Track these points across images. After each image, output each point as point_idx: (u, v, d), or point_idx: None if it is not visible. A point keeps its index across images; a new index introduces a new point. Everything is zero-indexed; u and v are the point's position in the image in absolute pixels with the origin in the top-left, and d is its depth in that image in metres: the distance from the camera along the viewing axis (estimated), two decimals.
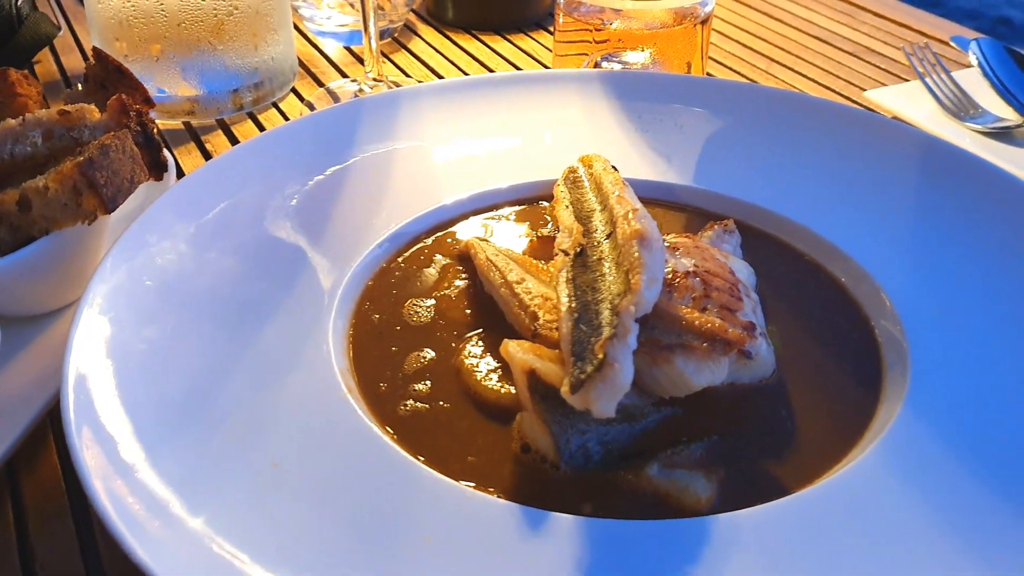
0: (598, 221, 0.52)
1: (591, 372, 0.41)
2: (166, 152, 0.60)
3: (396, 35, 1.01)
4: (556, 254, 0.51)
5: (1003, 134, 0.78)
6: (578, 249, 0.50)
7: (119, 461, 0.40)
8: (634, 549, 0.39)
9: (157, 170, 0.60)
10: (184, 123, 0.83)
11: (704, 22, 0.81)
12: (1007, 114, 0.80)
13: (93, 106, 0.58)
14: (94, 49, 0.64)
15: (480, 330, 0.53)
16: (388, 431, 0.46)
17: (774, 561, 0.39)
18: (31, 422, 0.50)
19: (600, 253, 0.49)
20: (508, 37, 1.01)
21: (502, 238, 0.60)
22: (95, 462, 0.39)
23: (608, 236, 0.50)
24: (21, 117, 0.56)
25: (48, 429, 0.53)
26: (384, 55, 0.97)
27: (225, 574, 0.36)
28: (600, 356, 0.41)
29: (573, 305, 0.45)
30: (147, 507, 0.38)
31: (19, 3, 0.92)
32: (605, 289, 0.46)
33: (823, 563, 0.39)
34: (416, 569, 0.38)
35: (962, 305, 0.53)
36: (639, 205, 0.51)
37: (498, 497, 0.41)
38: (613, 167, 0.58)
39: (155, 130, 0.59)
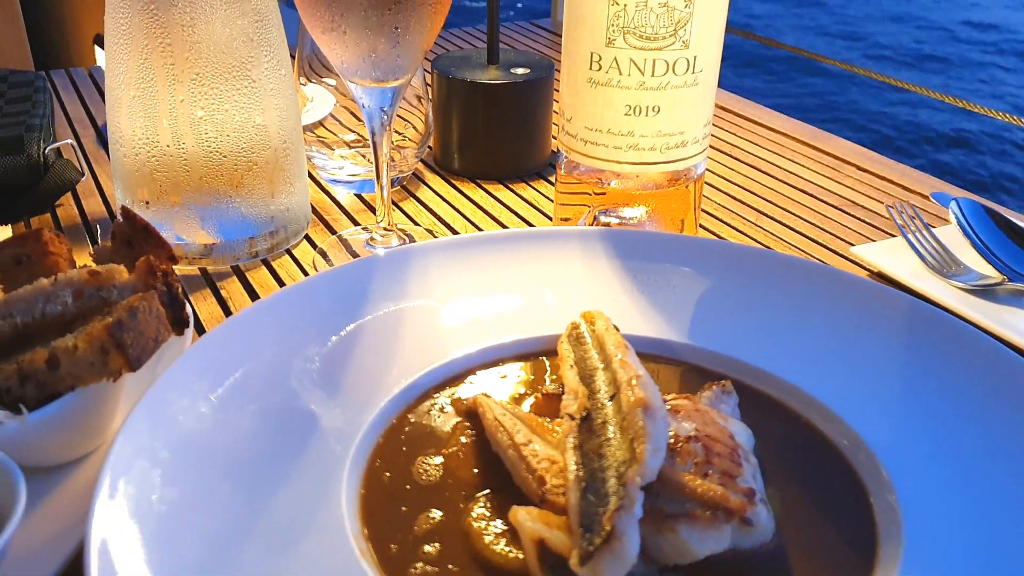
0: (601, 381, 0.55)
1: (599, 544, 0.43)
2: (188, 309, 0.63)
3: (405, 183, 1.06)
4: (563, 417, 0.53)
5: (985, 291, 0.82)
6: (584, 414, 0.52)
7: None
8: None
9: (179, 326, 0.63)
10: (200, 270, 0.87)
11: (696, 180, 0.85)
12: (988, 271, 0.84)
13: (122, 267, 0.61)
14: (122, 209, 0.68)
15: (488, 491, 0.54)
16: None
17: None
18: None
19: (605, 416, 0.51)
20: (510, 186, 1.06)
21: (508, 394, 0.63)
22: None
23: (612, 398, 0.53)
24: (53, 277, 0.59)
25: None
26: (394, 203, 1.01)
27: None
28: (608, 528, 0.43)
29: (580, 474, 0.47)
30: None
31: (47, 151, 0.96)
32: (611, 456, 0.48)
33: None
34: None
35: (954, 470, 0.55)
36: (642, 371, 0.53)
37: None
38: (615, 326, 0.61)
39: (179, 288, 0.62)
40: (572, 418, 0.52)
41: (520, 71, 1.04)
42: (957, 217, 0.88)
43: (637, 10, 0.73)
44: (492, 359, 0.66)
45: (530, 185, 1.06)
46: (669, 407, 0.55)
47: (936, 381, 0.61)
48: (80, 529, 0.53)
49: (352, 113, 1.07)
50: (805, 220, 0.98)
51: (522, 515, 0.48)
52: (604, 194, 0.85)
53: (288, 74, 0.87)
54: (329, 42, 0.77)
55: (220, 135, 0.83)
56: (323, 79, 1.04)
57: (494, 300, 0.71)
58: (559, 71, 0.84)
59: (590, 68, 0.76)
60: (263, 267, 0.88)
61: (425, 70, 1.07)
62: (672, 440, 0.52)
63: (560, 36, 0.84)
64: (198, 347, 0.59)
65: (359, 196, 1.03)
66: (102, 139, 1.18)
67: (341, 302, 0.67)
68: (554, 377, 0.65)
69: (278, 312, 0.64)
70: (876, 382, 0.62)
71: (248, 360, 0.60)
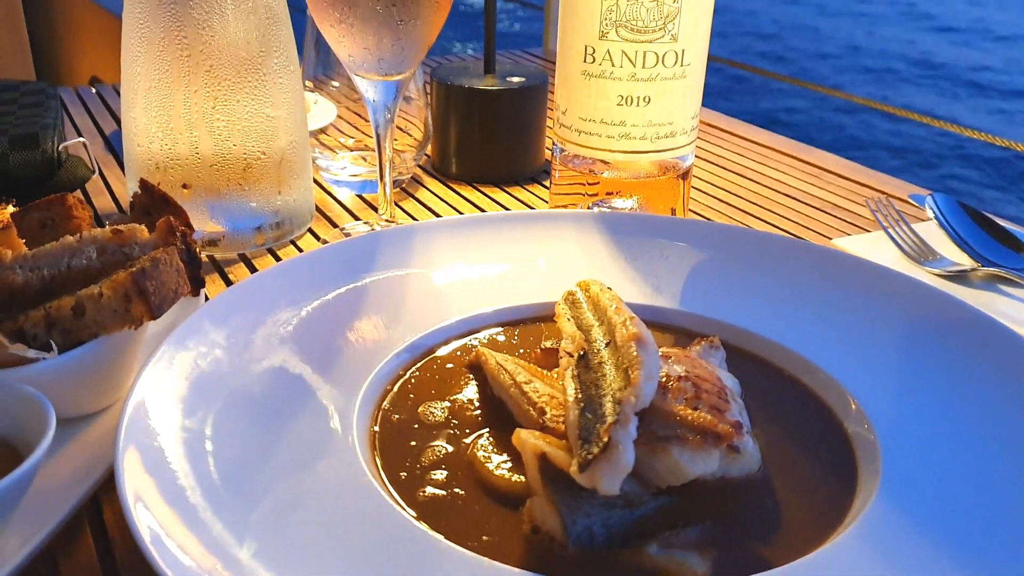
0: (597, 333, 0.58)
1: (597, 453, 0.46)
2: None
3: (404, 186, 1.10)
4: (561, 357, 0.57)
5: (959, 277, 0.86)
6: (581, 352, 0.56)
7: (165, 530, 0.44)
8: None
9: (196, 285, 0.66)
10: (209, 256, 0.90)
11: (685, 176, 0.90)
12: (961, 259, 0.89)
13: (143, 226, 0.64)
14: (141, 180, 0.72)
15: (490, 429, 0.57)
16: (409, 512, 0.50)
17: None
18: (71, 511, 0.53)
19: (601, 358, 0.55)
20: (506, 189, 1.10)
21: (508, 350, 0.66)
22: (146, 528, 0.43)
23: (607, 344, 0.56)
24: (79, 234, 0.63)
25: (84, 521, 0.56)
26: (394, 203, 1.05)
27: None
28: (605, 439, 0.47)
29: (579, 396, 0.51)
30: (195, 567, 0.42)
31: (59, 148, 1.00)
32: (607, 386, 0.51)
33: None
34: None
35: (924, 404, 0.59)
36: (635, 315, 0.57)
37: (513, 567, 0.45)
38: (608, 288, 0.64)
39: (197, 248, 0.65)
40: (571, 356, 0.56)
41: (516, 79, 1.09)
42: (933, 210, 0.93)
43: (629, 4, 0.78)
44: (493, 322, 0.70)
45: (525, 188, 1.10)
46: (661, 353, 0.59)
47: (907, 332, 0.65)
48: (103, 464, 0.56)
49: (352, 124, 1.12)
50: (788, 219, 1.03)
51: (525, 434, 0.51)
52: (597, 184, 0.89)
53: (296, 71, 0.92)
54: (337, 35, 0.82)
55: (231, 126, 0.87)
56: (328, 84, 1.09)
57: (495, 271, 0.74)
58: (552, 87, 0.89)
59: (584, 60, 0.81)
60: (269, 255, 0.91)
61: (425, 82, 1.11)
62: (664, 379, 0.55)
63: (551, 62, 0.89)
64: (216, 300, 0.63)
65: (360, 197, 1.07)
66: (110, 146, 1.22)
67: (351, 268, 0.70)
68: (553, 340, 0.68)
69: (292, 274, 0.68)
70: (852, 335, 0.66)
71: (263, 313, 0.63)
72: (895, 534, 0.48)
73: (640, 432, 0.49)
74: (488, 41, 1.10)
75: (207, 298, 0.81)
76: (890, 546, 0.47)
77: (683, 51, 0.80)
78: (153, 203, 0.71)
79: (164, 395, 0.54)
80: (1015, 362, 0.60)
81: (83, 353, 0.58)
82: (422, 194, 1.08)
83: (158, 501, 0.45)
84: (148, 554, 0.41)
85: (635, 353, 0.52)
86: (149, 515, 0.44)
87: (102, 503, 0.57)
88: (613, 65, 0.80)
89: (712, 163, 1.21)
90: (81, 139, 1.03)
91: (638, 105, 0.81)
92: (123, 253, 0.63)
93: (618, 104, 0.81)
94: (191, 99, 0.85)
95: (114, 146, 1.22)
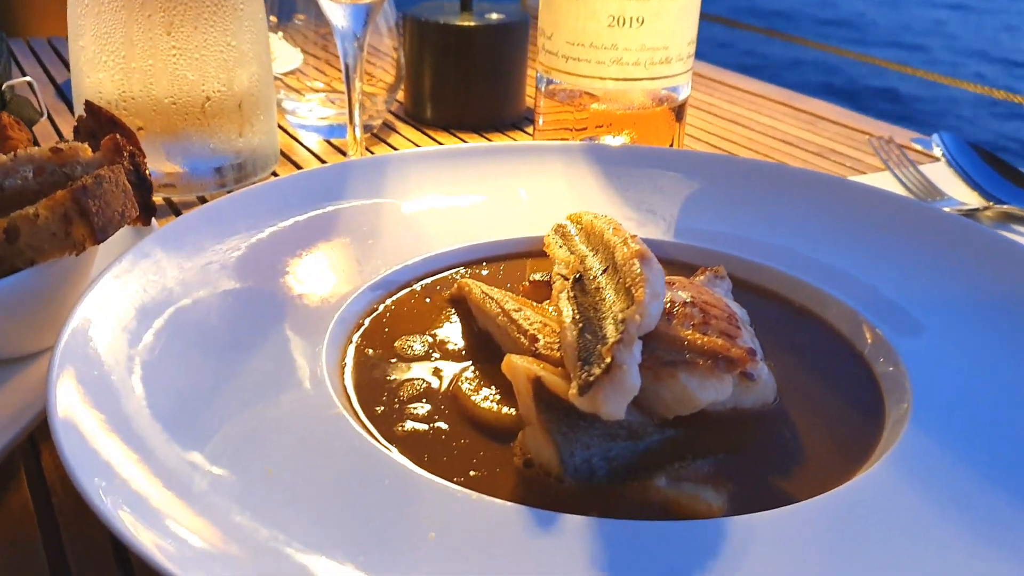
0: (593, 261, 0.52)
1: (599, 374, 0.41)
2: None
3: (375, 131, 1.03)
4: (555, 281, 0.51)
5: (968, 216, 0.81)
6: (577, 275, 0.50)
7: (108, 459, 0.38)
8: (647, 548, 0.37)
9: (147, 213, 0.60)
10: (165, 199, 0.83)
11: (680, 113, 0.84)
12: (970, 199, 0.84)
13: (86, 145, 0.58)
14: (86, 102, 0.65)
15: (475, 362, 0.52)
16: (385, 445, 0.44)
17: (791, 561, 0.37)
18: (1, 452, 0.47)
19: (599, 283, 0.49)
20: (486, 136, 1.04)
21: (494, 283, 0.60)
22: (84, 464, 0.37)
23: (605, 271, 0.50)
24: (12, 152, 0.56)
25: (20, 467, 0.50)
26: (366, 148, 0.99)
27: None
28: (608, 359, 0.41)
29: (577, 317, 0.45)
30: (139, 504, 0.36)
31: (3, 87, 0.93)
32: (607, 308, 0.46)
33: (840, 562, 0.37)
34: (421, 564, 0.36)
35: (948, 331, 0.53)
36: (636, 235, 0.51)
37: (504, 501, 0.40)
38: (602, 215, 0.59)
39: (147, 172, 0.59)
40: (565, 279, 0.50)
41: (495, 16, 1.02)
42: (941, 149, 0.88)
43: None
44: (476, 256, 0.64)
45: (506, 135, 1.04)
46: (665, 280, 0.53)
47: (923, 257, 0.60)
48: (40, 404, 0.50)
49: (319, 70, 1.05)
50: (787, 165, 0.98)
51: (517, 359, 0.45)
52: (585, 128, 0.83)
53: (259, 1, 0.85)
54: None
55: (187, 55, 0.80)
56: (292, 23, 1.02)
57: (477, 202, 0.68)
58: (535, 30, 0.83)
59: None
60: None
61: (398, 21, 1.05)
62: (669, 305, 0.50)
63: (533, 18, 0.84)
64: (170, 226, 0.56)
65: (328, 142, 1.01)
66: (62, 95, 1.15)
67: (320, 196, 0.64)
68: (543, 273, 0.62)
69: (253, 201, 0.61)
70: (873, 270, 0.60)
71: (224, 240, 0.57)
72: (928, 467, 0.43)
73: (644, 357, 0.43)
74: None
75: None
76: (924, 477, 0.42)
77: None
78: (100, 126, 0.64)
79: (107, 322, 0.47)
80: None
81: (17, 282, 0.52)
82: (395, 140, 1.02)
83: (96, 430, 0.39)
84: (80, 485, 0.35)
85: (639, 270, 0.46)
86: (84, 444, 0.38)
87: (41, 450, 0.51)
88: None
89: (705, 111, 1.15)
90: (27, 78, 0.96)
91: (630, 26, 0.75)
92: (63, 174, 0.57)
93: (609, 25, 0.75)
94: (144, 25, 0.78)
95: (66, 95, 1.15)
